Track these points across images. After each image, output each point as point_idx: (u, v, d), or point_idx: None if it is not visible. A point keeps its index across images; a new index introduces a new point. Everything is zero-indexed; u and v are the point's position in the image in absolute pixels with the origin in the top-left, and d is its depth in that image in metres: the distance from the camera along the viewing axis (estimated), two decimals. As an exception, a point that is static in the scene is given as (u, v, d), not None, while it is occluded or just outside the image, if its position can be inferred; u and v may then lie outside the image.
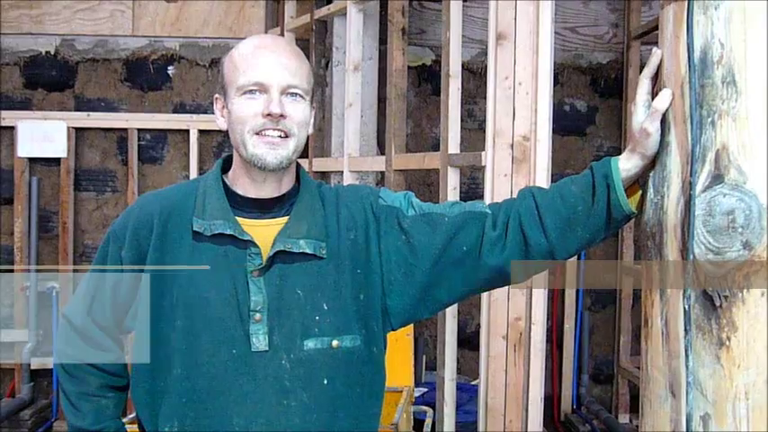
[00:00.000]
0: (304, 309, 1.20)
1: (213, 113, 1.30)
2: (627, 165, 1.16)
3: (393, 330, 1.31)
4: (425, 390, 3.47)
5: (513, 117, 2.47)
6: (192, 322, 1.19)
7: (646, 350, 1.15)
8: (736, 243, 1.01)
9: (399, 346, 2.70)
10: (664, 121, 1.12)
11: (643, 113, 1.13)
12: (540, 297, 2.48)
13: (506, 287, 2.55)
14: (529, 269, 1.25)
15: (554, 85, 4.09)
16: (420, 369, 3.85)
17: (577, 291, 3.98)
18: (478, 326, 3.22)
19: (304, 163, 3.60)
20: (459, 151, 2.72)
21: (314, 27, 3.55)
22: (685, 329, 1.05)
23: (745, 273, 1.01)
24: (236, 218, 1.22)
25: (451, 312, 2.75)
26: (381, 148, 3.53)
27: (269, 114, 1.18)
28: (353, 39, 3.22)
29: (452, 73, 2.70)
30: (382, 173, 3.10)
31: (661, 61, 1.14)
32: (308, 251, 1.21)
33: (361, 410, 1.25)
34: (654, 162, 1.14)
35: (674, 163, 1.09)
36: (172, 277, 1.21)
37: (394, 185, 2.93)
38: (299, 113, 1.21)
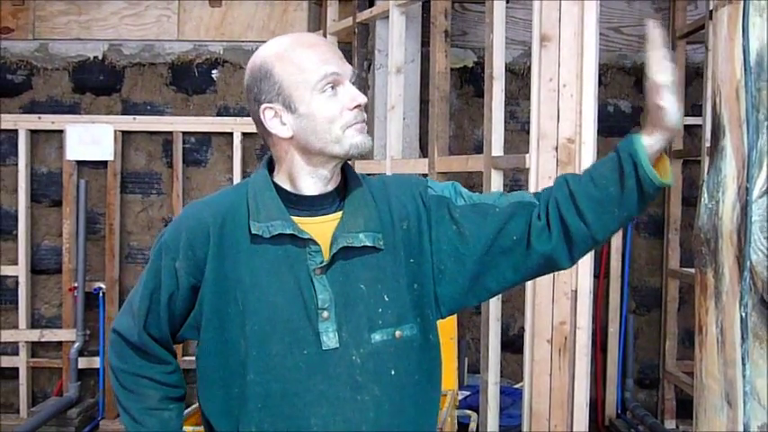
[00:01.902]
0: (368, 302, 1.21)
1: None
2: (650, 140, 1.17)
3: (442, 318, 1.31)
4: (468, 393, 3.46)
5: (558, 119, 2.45)
6: (260, 326, 1.20)
7: (700, 358, 1.13)
8: (795, 250, 0.99)
9: (443, 350, 2.69)
10: (717, 123, 1.10)
11: (653, 88, 1.14)
12: (584, 301, 2.45)
13: (551, 292, 2.54)
14: (573, 253, 1.26)
15: (598, 86, 4.07)
16: (462, 372, 3.83)
17: (622, 294, 3.93)
18: (521, 329, 3.19)
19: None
20: (502, 153, 2.71)
21: (356, 30, 3.57)
22: (742, 338, 1.03)
23: (804, 280, 0.99)
24: (291, 217, 1.22)
25: (495, 315, 2.73)
26: (423, 151, 3.53)
27: (358, 106, 1.20)
28: (396, 41, 3.22)
29: (496, 75, 2.68)
30: (425, 175, 3.10)
31: (715, 64, 1.13)
32: (368, 244, 1.22)
33: (423, 397, 1.26)
34: (710, 161, 1.12)
35: (730, 168, 1.07)
36: (235, 283, 1.21)
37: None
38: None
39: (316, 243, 1.20)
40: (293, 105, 1.21)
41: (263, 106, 1.23)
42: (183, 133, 4.07)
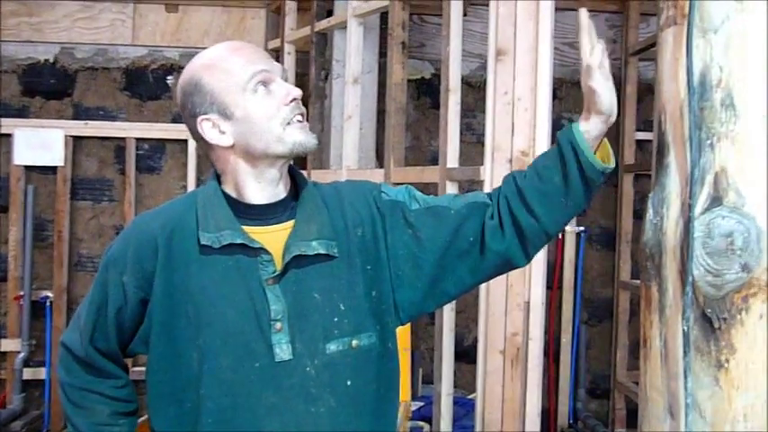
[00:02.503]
0: (323, 312, 1.20)
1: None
2: (587, 126, 1.19)
3: (402, 324, 1.30)
4: (422, 404, 3.46)
5: (512, 132, 2.48)
6: (212, 339, 1.17)
7: (644, 371, 1.15)
8: (735, 265, 1.02)
9: (396, 360, 2.68)
10: (662, 140, 1.13)
11: (585, 72, 1.17)
12: (537, 312, 2.48)
13: (504, 304, 2.56)
14: (528, 250, 1.27)
15: (553, 100, 4.12)
16: (416, 383, 3.84)
17: (574, 305, 3.98)
18: (476, 339, 3.21)
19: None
20: (457, 165, 2.73)
21: (314, 39, 3.56)
22: (684, 351, 1.05)
23: (743, 295, 1.02)
24: (242, 226, 1.20)
25: (448, 326, 2.74)
26: (380, 161, 3.53)
27: (293, 99, 1.18)
28: (353, 51, 3.23)
29: (452, 87, 2.70)
30: (380, 186, 3.10)
31: (660, 83, 1.15)
32: (321, 252, 1.20)
33: (381, 406, 1.25)
34: (655, 178, 1.15)
35: (674, 184, 1.10)
36: (184, 295, 1.19)
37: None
38: None
39: (267, 253, 1.19)
40: (229, 111, 1.19)
41: (198, 119, 1.21)
42: (137, 139, 4.00)
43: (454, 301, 2.78)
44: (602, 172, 1.19)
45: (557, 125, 4.13)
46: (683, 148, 1.08)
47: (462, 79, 3.94)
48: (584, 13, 1.18)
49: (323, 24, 3.50)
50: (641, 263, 1.17)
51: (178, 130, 3.99)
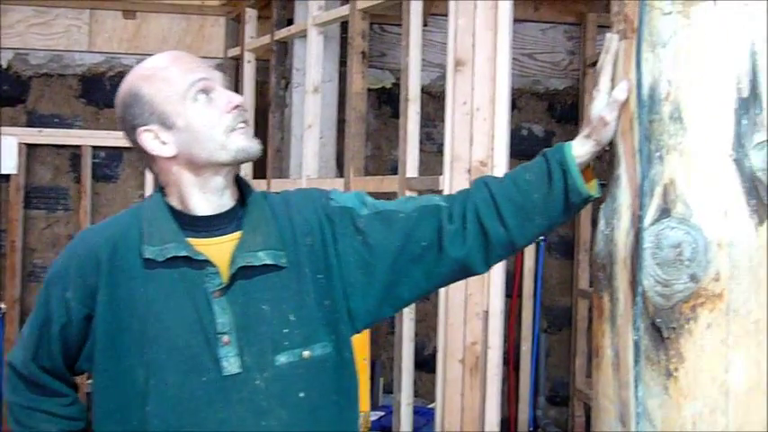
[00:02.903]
0: (272, 323, 1.17)
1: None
2: (581, 151, 1.18)
3: (357, 332, 1.29)
4: (383, 413, 3.45)
5: (471, 142, 2.49)
6: (157, 355, 1.15)
7: (596, 380, 1.16)
8: (683, 276, 1.03)
9: (355, 371, 2.68)
10: (613, 152, 1.14)
11: (604, 101, 1.15)
12: (496, 321, 2.49)
13: (463, 313, 2.57)
14: (489, 259, 1.25)
15: (512, 110, 4.15)
16: (377, 392, 3.83)
17: (534, 313, 4.01)
18: (436, 348, 3.21)
19: (262, 184, 3.58)
20: (417, 175, 2.74)
21: (274, 48, 3.55)
22: (635, 360, 1.06)
23: (691, 305, 1.03)
24: (187, 239, 1.18)
25: (408, 335, 2.74)
26: (341, 170, 3.52)
27: (236, 106, 1.17)
28: (313, 61, 3.22)
29: (411, 97, 2.71)
30: (340, 195, 3.10)
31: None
32: (268, 262, 1.18)
33: (341, 417, 1.23)
34: (607, 189, 1.16)
35: (624, 196, 1.11)
36: (129, 311, 1.17)
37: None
38: None
39: (213, 265, 1.17)
40: (170, 121, 1.17)
41: (138, 131, 1.19)
42: (93, 147, 3.93)
43: (414, 311, 2.79)
44: (586, 199, 1.19)
45: (516, 135, 4.19)
46: (633, 161, 1.10)
47: (423, 89, 3.97)
48: (613, 40, 1.14)
49: (283, 33, 3.49)
50: (594, 273, 1.18)
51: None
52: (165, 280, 1.17)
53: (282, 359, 1.17)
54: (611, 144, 1.17)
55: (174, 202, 1.23)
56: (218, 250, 1.19)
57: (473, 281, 2.48)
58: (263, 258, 1.18)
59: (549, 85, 4.22)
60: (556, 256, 4.21)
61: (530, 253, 3.95)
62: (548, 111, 4.22)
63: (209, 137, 1.16)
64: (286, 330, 1.18)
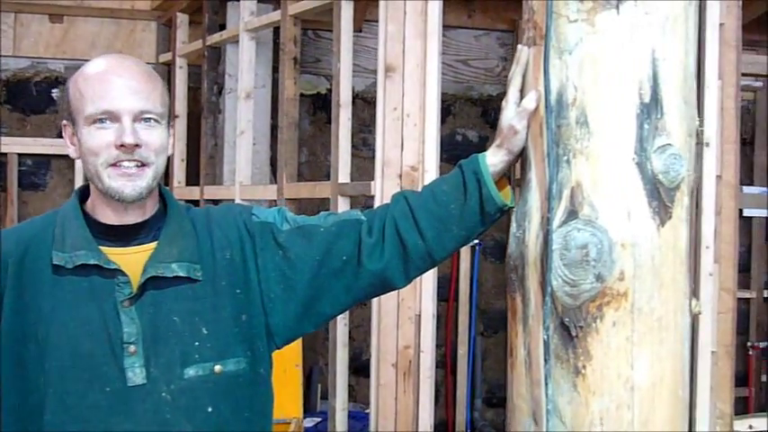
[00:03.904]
0: (182, 335, 1.16)
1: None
2: (494, 160, 1.21)
3: (278, 349, 1.28)
4: (319, 419, 3.45)
5: (402, 148, 2.51)
6: (60, 363, 1.12)
7: (511, 379, 1.19)
8: (590, 276, 1.06)
9: (288, 377, 2.67)
10: (524, 156, 1.17)
11: (513, 111, 1.18)
12: (428, 325, 2.51)
13: (395, 317, 2.58)
14: (409, 272, 1.26)
15: (447, 116, 4.23)
16: (315, 398, 3.81)
17: (470, 316, 4.06)
18: (371, 353, 3.22)
19: (195, 191, 3.54)
20: (349, 180, 2.74)
21: (206, 53, 3.51)
22: (545, 359, 1.09)
23: (597, 304, 1.07)
24: (100, 247, 1.16)
25: (342, 341, 2.74)
26: (275, 176, 3.51)
27: (122, 145, 1.13)
28: (246, 66, 3.20)
29: (343, 103, 2.72)
30: (274, 201, 3.08)
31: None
32: (181, 275, 1.17)
33: None
34: (519, 193, 1.19)
35: (534, 199, 1.14)
36: (34, 317, 1.14)
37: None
38: (156, 140, 1.16)
39: (124, 274, 1.15)
40: (77, 130, 1.17)
41: (63, 121, 1.21)
42: (19, 155, 3.82)
43: (348, 317, 2.79)
44: (501, 208, 1.21)
45: (451, 140, 4.24)
46: (542, 164, 1.13)
47: (358, 94, 4.01)
48: (524, 51, 1.18)
49: (215, 38, 3.46)
50: (507, 275, 1.21)
51: (64, 146, 3.84)
52: (74, 288, 1.14)
53: (191, 372, 1.15)
54: (524, 149, 1.19)
55: (92, 207, 1.21)
56: (132, 260, 1.17)
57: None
58: (176, 270, 1.17)
59: (482, 91, 4.28)
60: (491, 259, 4.27)
61: (465, 257, 4.01)
62: (482, 116, 4.29)
63: (91, 162, 1.15)
64: (197, 343, 1.16)
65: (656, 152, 1.08)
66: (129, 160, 1.14)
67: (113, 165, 1.14)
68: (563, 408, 1.08)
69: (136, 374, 1.13)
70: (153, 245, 1.19)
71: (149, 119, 1.16)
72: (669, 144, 1.09)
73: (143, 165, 1.16)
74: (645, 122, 1.08)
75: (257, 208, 1.31)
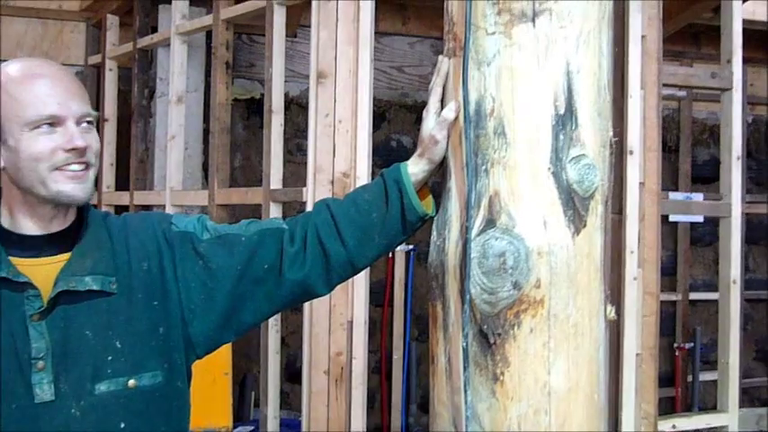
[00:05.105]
0: (94, 350, 1.13)
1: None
2: (415, 169, 1.22)
3: (198, 359, 1.26)
4: (251, 428, 3.40)
5: (334, 154, 2.51)
6: None
7: (432, 386, 1.20)
8: (507, 283, 1.08)
9: (217, 385, 2.64)
10: (445, 166, 1.19)
11: (433, 121, 1.20)
12: (360, 331, 2.51)
13: (327, 323, 2.58)
14: (331, 280, 1.26)
15: (381, 122, 4.25)
16: (248, 406, 3.77)
17: (405, 322, 4.08)
18: (305, 360, 3.20)
19: (125, 196, 3.46)
20: (282, 186, 2.73)
21: (137, 56, 3.45)
22: (464, 366, 1.10)
23: (515, 311, 1.09)
24: (10, 258, 1.12)
25: (274, 348, 2.72)
26: (208, 181, 3.46)
27: (74, 149, 1.11)
28: (177, 70, 3.15)
29: (275, 109, 2.71)
30: (204, 207, 3.04)
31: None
32: (95, 288, 1.14)
33: None
34: (440, 202, 1.21)
35: (454, 208, 1.16)
36: None
37: (218, 221, 2.88)
38: (95, 142, 1.16)
39: (34, 287, 1.12)
40: (3, 136, 1.12)
41: None
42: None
43: (279, 323, 2.77)
44: (422, 217, 1.22)
45: (386, 146, 4.26)
46: (462, 174, 1.14)
47: (293, 100, 3.99)
48: (444, 62, 1.20)
49: (146, 41, 3.40)
50: (428, 283, 1.22)
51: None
52: None
53: (103, 388, 1.13)
54: (445, 158, 1.21)
55: (4, 217, 1.17)
56: (45, 272, 1.14)
57: (337, 291, 2.50)
58: (90, 284, 1.14)
59: (417, 98, 4.32)
60: (425, 266, 4.29)
61: (400, 262, 4.03)
62: (416, 123, 4.31)
63: (32, 168, 1.11)
64: (110, 358, 1.14)
65: (571, 162, 1.11)
66: (77, 162, 1.13)
67: (58, 168, 1.12)
68: (482, 414, 1.10)
69: (44, 391, 1.10)
70: (67, 256, 1.16)
71: (89, 121, 1.16)
72: (583, 154, 1.12)
73: (87, 167, 1.14)
74: (560, 133, 1.11)
75: (177, 216, 1.29)
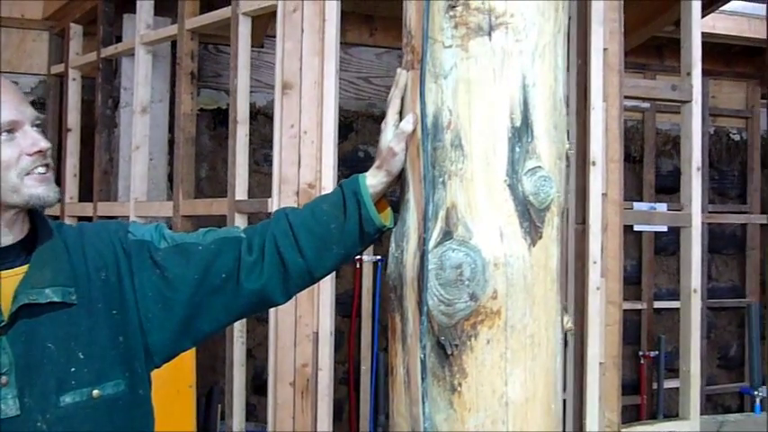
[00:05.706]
0: (58, 362, 1.12)
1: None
2: (373, 181, 1.23)
3: (157, 368, 1.26)
4: (217, 441, 3.37)
5: (299, 165, 2.51)
6: None
7: (391, 398, 1.20)
8: (464, 295, 1.09)
9: (181, 398, 2.61)
10: (404, 177, 1.19)
11: (392, 133, 1.21)
12: (326, 342, 2.51)
13: (293, 335, 2.56)
14: (289, 289, 1.27)
15: (349, 132, 4.25)
16: (214, 419, 3.73)
17: (373, 332, 4.08)
18: (271, 372, 3.17)
19: (88, 207, 3.42)
20: (247, 197, 2.72)
21: (101, 66, 3.41)
22: (422, 377, 1.10)
23: (472, 322, 1.09)
24: None
25: (239, 360, 2.70)
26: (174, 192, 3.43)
27: (39, 151, 1.12)
28: (141, 80, 3.13)
29: (240, 119, 2.70)
30: (168, 218, 3.01)
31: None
32: (55, 300, 1.13)
33: None
34: (399, 214, 1.21)
35: (412, 219, 1.16)
36: None
37: (183, 232, 2.85)
38: (48, 144, 1.17)
39: None
40: None
41: None
42: None
43: (245, 334, 2.75)
44: (380, 229, 1.23)
45: (353, 157, 4.26)
46: (420, 186, 1.15)
47: (260, 110, 3.98)
48: (402, 75, 1.21)
49: (110, 51, 3.36)
50: (387, 294, 1.22)
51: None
52: None
53: (68, 399, 1.12)
54: (403, 170, 1.21)
55: None
56: (4, 285, 1.13)
57: (303, 302, 2.49)
58: (50, 296, 1.13)
59: (384, 109, 4.32)
60: (394, 275, 4.30)
61: (368, 272, 4.02)
62: (384, 133, 4.33)
63: (3, 177, 1.12)
64: (73, 369, 1.13)
65: (527, 174, 1.12)
66: (43, 165, 1.14)
67: (28, 173, 1.13)
68: (440, 425, 1.10)
69: (9, 406, 1.09)
70: (24, 268, 1.15)
71: (40, 124, 1.17)
72: (539, 166, 1.13)
73: (48, 168, 1.16)
74: (516, 146, 1.12)
75: (134, 225, 1.29)
